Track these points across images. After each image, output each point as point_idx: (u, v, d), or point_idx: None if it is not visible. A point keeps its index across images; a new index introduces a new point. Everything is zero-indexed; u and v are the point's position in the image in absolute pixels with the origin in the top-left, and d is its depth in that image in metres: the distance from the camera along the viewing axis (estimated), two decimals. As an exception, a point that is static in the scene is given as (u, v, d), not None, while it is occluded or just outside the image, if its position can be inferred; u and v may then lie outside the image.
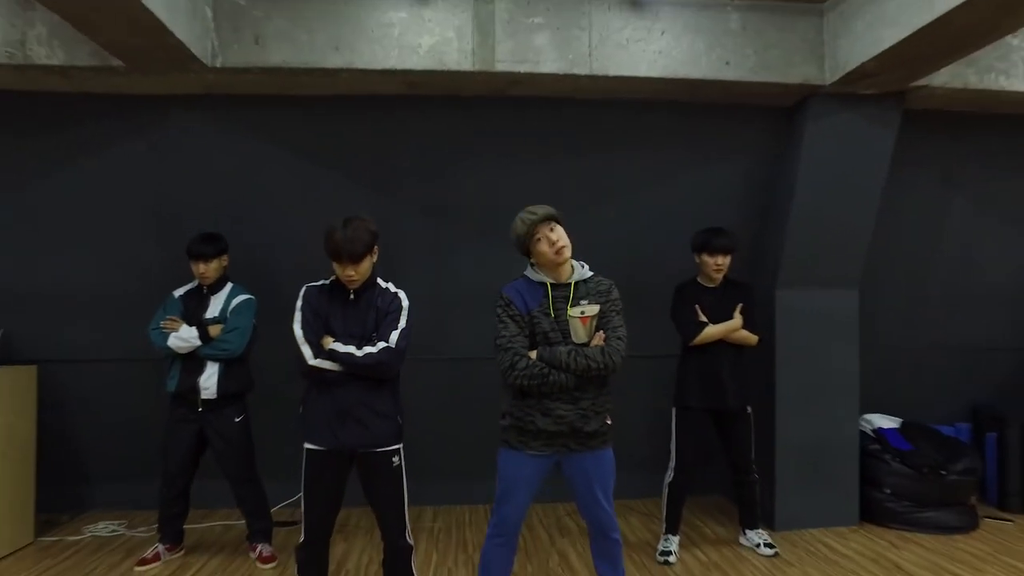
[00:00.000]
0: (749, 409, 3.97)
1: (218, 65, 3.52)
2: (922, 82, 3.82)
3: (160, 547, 3.84)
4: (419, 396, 4.45)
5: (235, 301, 3.82)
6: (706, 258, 3.85)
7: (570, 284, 2.84)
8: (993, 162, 4.74)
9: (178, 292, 3.86)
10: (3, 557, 3.86)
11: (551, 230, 2.81)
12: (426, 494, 4.62)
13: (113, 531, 4.28)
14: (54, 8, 2.93)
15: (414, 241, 4.48)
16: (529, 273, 2.91)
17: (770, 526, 4.32)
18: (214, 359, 3.72)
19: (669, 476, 3.97)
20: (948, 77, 3.87)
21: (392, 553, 3.01)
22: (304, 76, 3.67)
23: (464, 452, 4.58)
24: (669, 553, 3.86)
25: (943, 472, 4.39)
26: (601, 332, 2.80)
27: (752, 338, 3.89)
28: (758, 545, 3.99)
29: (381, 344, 2.83)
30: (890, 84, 3.79)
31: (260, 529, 3.91)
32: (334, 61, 3.55)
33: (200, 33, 3.39)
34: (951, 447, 4.62)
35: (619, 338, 2.81)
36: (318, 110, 4.07)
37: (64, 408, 4.49)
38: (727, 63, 3.77)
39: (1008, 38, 3.84)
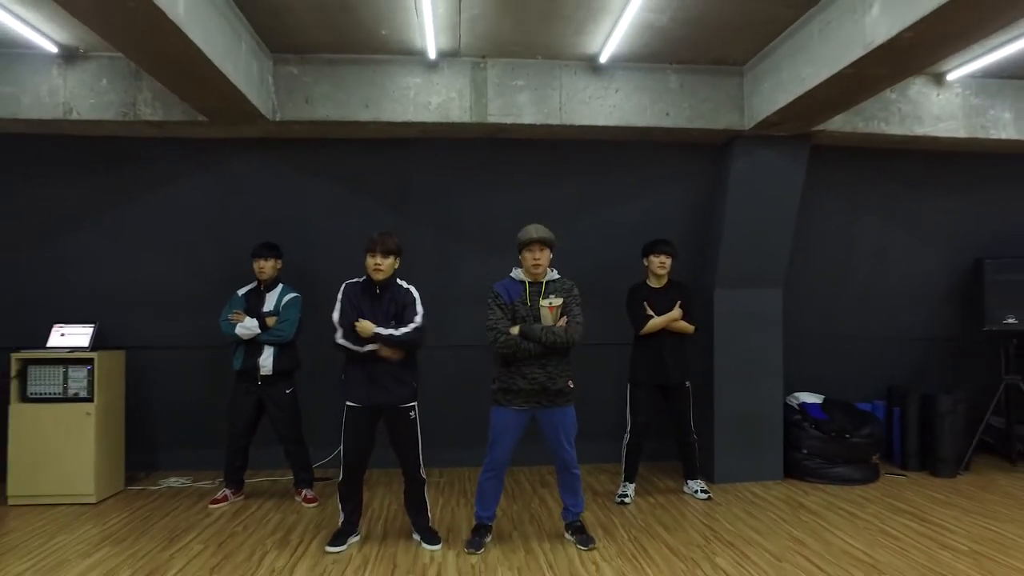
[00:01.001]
0: (688, 384, 5.04)
1: (277, 119, 4.62)
2: (820, 127, 4.90)
3: (227, 491, 4.92)
4: (428, 376, 5.50)
5: (286, 298, 4.90)
6: (652, 258, 4.90)
7: (542, 283, 3.94)
8: (895, 186, 5.80)
9: (241, 291, 4.95)
10: (104, 499, 4.95)
11: (537, 251, 3.89)
12: (434, 457, 5.67)
13: (183, 484, 5.36)
14: (162, 81, 4.01)
15: (426, 250, 5.54)
16: (514, 274, 4.03)
17: (710, 479, 5.39)
18: (270, 344, 4.80)
19: (626, 439, 5.03)
20: (841, 123, 4.95)
21: (410, 484, 4.09)
22: (341, 126, 4.77)
23: (464, 422, 5.62)
24: (625, 496, 4.93)
25: (847, 436, 5.47)
26: (565, 317, 3.90)
27: (689, 327, 4.95)
28: (696, 491, 5.06)
29: (412, 324, 3.91)
30: (793, 129, 4.88)
31: (305, 478, 4.99)
32: (364, 115, 4.66)
33: (265, 96, 4.50)
34: (859, 417, 5.70)
35: (578, 323, 3.90)
36: (351, 150, 5.17)
37: (142, 386, 5.54)
38: (667, 114, 4.86)
39: (887, 92, 4.93)
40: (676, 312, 4.87)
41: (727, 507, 4.83)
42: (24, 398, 4.87)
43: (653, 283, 4.98)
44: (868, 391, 6.15)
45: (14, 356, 4.87)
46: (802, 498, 5.03)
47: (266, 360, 4.78)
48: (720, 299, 5.45)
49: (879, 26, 3.34)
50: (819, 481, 5.43)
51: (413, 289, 4.07)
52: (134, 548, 3.99)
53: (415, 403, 4.05)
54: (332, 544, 3.93)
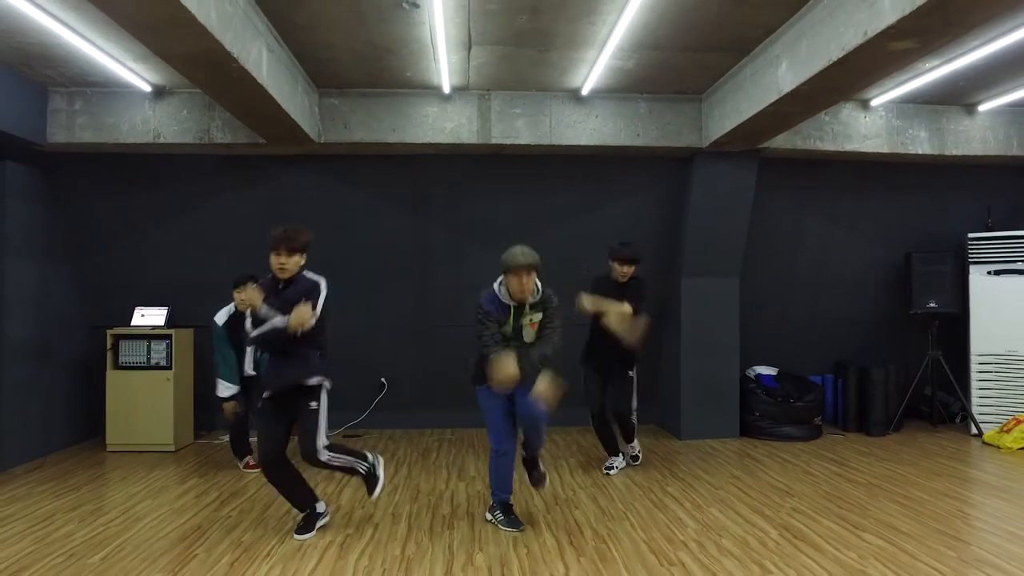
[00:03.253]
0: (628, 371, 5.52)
1: (322, 141, 5.73)
2: (764, 144, 5.94)
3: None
4: (443, 350, 6.66)
5: None
6: (616, 265, 5.00)
7: (525, 304, 3.93)
8: (835, 191, 6.82)
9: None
10: (181, 448, 6.11)
11: (525, 276, 3.77)
12: (445, 419, 6.83)
13: (240, 439, 6.51)
14: (239, 118, 5.11)
15: (441, 246, 6.64)
16: (499, 292, 3.93)
17: (676, 436, 6.49)
18: None
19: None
20: (782, 141, 5.99)
21: None
22: (373, 146, 5.88)
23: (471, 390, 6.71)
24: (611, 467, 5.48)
25: (792, 401, 6.56)
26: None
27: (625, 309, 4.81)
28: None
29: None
30: (742, 147, 5.92)
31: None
32: (392, 138, 5.76)
33: (312, 123, 5.60)
34: (804, 386, 6.78)
35: (554, 330, 3.95)
36: (380, 165, 6.28)
37: (204, 359, 6.64)
38: (638, 135, 5.93)
39: (822, 115, 5.95)
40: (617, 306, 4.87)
41: (686, 456, 5.92)
42: (117, 366, 6.04)
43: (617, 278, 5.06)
44: (820, 366, 7.23)
45: (109, 332, 6.03)
46: (750, 450, 6.11)
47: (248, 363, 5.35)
48: (686, 287, 6.52)
49: (786, 79, 4.40)
50: (769, 439, 6.51)
51: (321, 281, 3.92)
52: (216, 479, 5.15)
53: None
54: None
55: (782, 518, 4.24)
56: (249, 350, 5.38)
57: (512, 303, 3.92)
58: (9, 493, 4.81)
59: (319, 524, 4.05)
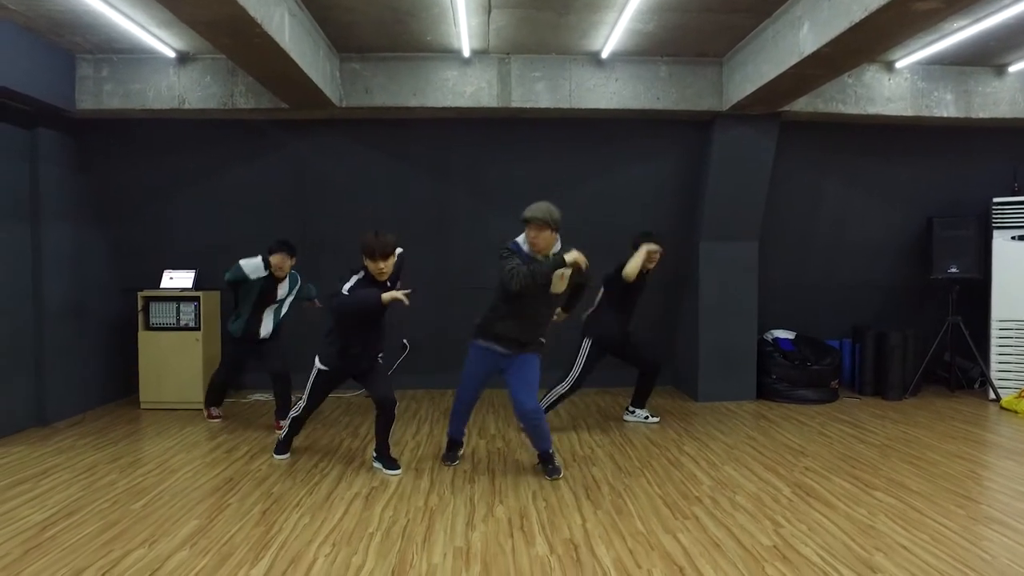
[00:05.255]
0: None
1: (343, 105, 5.78)
2: (785, 108, 5.90)
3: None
4: (463, 312, 6.76)
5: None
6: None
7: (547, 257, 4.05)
8: (856, 155, 6.77)
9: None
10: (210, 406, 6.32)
11: (534, 230, 3.95)
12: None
13: (267, 398, 6.69)
14: (263, 83, 5.18)
15: (462, 209, 6.72)
16: (522, 244, 4.15)
17: (693, 398, 6.59)
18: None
19: None
20: (804, 104, 5.94)
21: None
22: (394, 110, 5.92)
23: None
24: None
25: (809, 364, 6.61)
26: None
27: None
28: (646, 417, 5.90)
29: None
30: (762, 110, 5.88)
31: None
32: (412, 102, 5.80)
33: (334, 88, 5.65)
34: (821, 349, 6.82)
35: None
36: (401, 129, 6.33)
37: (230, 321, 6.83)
38: (658, 98, 5.91)
39: (844, 77, 5.89)
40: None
41: (703, 417, 6.02)
42: (148, 327, 6.23)
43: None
44: (837, 330, 7.25)
45: (140, 294, 6.21)
46: (766, 412, 6.20)
47: (267, 326, 5.58)
48: (704, 250, 6.54)
49: (807, 41, 4.37)
50: (785, 401, 6.58)
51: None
52: (245, 434, 5.35)
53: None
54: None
55: (795, 476, 4.34)
56: (270, 314, 5.54)
57: (533, 255, 4.02)
58: (55, 445, 5.07)
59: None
